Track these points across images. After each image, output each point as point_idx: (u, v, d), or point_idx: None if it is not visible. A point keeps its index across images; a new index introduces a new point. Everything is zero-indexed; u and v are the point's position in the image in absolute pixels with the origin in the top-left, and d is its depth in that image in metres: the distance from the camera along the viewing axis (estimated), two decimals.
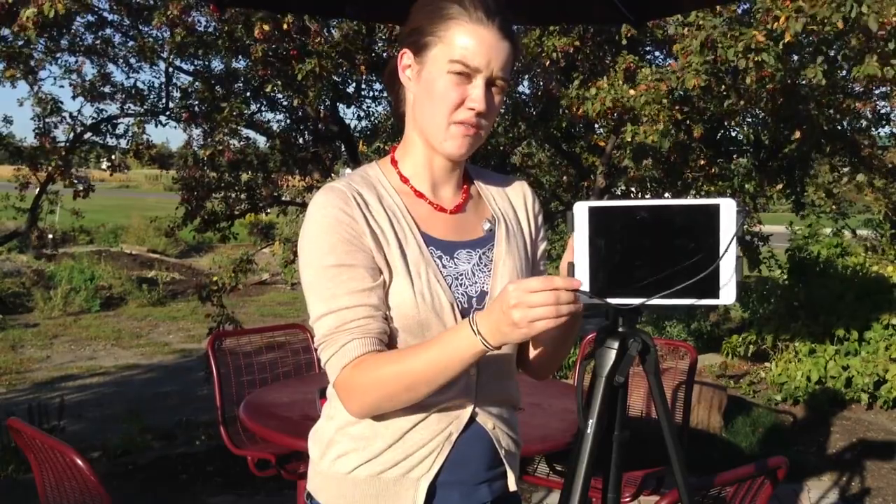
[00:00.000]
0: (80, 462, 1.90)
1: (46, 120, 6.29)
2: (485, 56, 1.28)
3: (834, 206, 6.90)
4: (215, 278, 5.89)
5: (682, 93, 5.04)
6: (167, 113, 6.63)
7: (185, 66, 6.48)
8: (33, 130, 6.24)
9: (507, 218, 1.45)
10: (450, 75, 1.28)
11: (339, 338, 1.25)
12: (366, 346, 1.24)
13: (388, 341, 1.29)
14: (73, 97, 6.47)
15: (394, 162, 1.40)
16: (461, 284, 1.35)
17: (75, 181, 6.05)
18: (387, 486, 1.31)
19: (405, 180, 1.38)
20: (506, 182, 1.50)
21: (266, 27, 4.95)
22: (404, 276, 1.29)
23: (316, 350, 1.30)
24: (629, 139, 5.29)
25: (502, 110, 7.47)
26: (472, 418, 1.35)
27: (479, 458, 1.36)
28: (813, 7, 4.24)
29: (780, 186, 6.77)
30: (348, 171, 7.44)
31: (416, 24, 1.33)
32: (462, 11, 1.28)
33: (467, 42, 1.27)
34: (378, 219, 1.31)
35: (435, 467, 1.32)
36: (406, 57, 1.34)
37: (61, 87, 6.55)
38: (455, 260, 1.36)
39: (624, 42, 5.55)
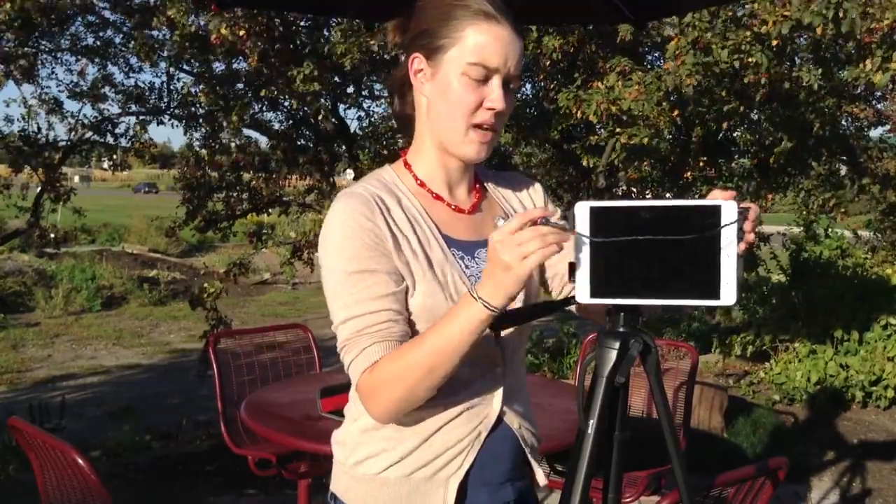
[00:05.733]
0: (80, 461, 1.90)
1: (47, 119, 6.32)
2: (502, 55, 1.27)
3: (805, 211, 6.92)
4: (206, 285, 5.90)
5: (680, 93, 5.05)
6: (168, 113, 6.64)
7: (185, 68, 6.49)
8: (18, 132, 6.26)
9: (516, 213, 1.45)
10: (465, 77, 1.27)
11: (362, 341, 1.24)
12: (388, 349, 1.24)
13: None
14: (74, 98, 6.48)
15: (407, 165, 1.39)
16: None
17: (58, 186, 6.07)
18: (417, 486, 1.31)
19: (422, 184, 1.37)
20: (514, 179, 1.51)
21: (224, 31, 4.88)
22: (432, 279, 1.28)
23: (339, 354, 1.29)
24: (624, 141, 5.30)
25: None
26: (500, 418, 1.35)
27: (506, 457, 1.37)
28: (799, 11, 4.26)
29: (775, 196, 6.78)
30: (350, 172, 7.44)
31: (425, 26, 1.30)
32: (475, 11, 1.26)
33: (484, 42, 1.26)
34: (400, 223, 1.30)
35: (465, 467, 1.31)
36: (418, 61, 1.31)
37: (61, 91, 6.56)
38: (476, 259, 1.36)
39: (624, 41, 5.55)
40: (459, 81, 1.27)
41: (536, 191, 1.50)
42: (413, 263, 1.28)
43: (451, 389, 1.28)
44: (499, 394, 1.35)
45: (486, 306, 1.14)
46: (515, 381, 1.38)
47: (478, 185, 1.44)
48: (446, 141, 1.33)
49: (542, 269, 1.49)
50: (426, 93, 1.32)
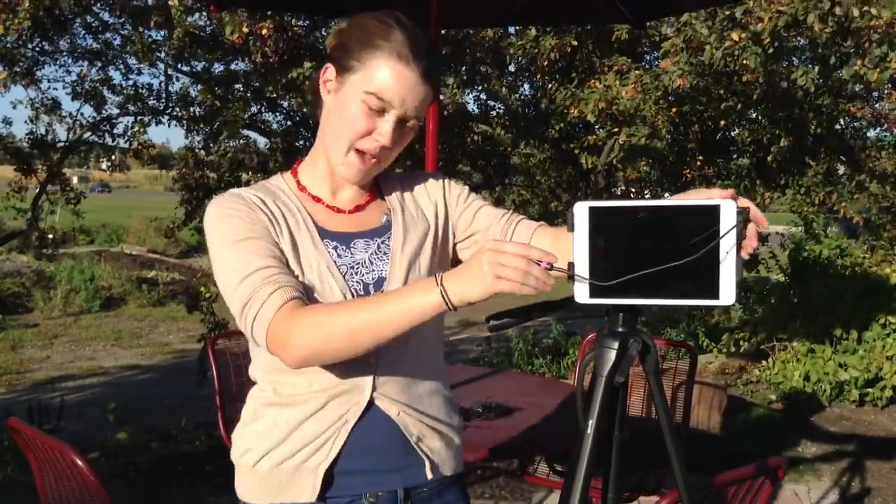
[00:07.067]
0: (79, 462, 1.90)
1: (45, 120, 6.33)
2: (400, 95, 1.31)
3: (807, 208, 6.91)
4: (202, 289, 5.93)
5: (678, 93, 5.05)
6: (167, 113, 6.64)
7: (184, 68, 6.49)
8: (25, 134, 6.29)
9: (405, 207, 1.47)
10: (363, 104, 1.31)
11: (265, 290, 1.24)
12: (291, 293, 1.25)
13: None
14: (73, 99, 6.49)
15: (294, 173, 1.45)
16: (357, 273, 1.37)
17: (66, 188, 6.11)
18: (287, 475, 1.35)
19: (302, 188, 1.42)
20: (414, 178, 1.53)
21: (245, 29, 4.94)
22: (295, 264, 1.32)
23: (242, 317, 1.27)
24: (623, 140, 5.30)
25: (501, 111, 7.51)
26: (371, 403, 1.35)
27: (385, 445, 1.36)
28: (791, 5, 4.26)
29: (774, 194, 6.78)
30: None
31: (346, 42, 1.35)
32: (390, 47, 1.30)
33: (387, 77, 1.30)
34: (273, 213, 1.35)
35: (332, 455, 1.33)
36: (329, 72, 1.36)
37: (67, 91, 6.58)
38: (351, 249, 1.38)
39: (620, 40, 5.56)
40: (356, 105, 1.32)
41: (427, 180, 1.52)
42: (283, 246, 1.33)
43: (316, 379, 1.32)
44: (368, 381, 1.34)
45: (442, 295, 1.13)
46: (398, 366, 1.36)
47: (371, 192, 1.46)
48: (329, 155, 1.38)
49: (446, 246, 1.49)
50: (328, 104, 1.37)
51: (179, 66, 6.38)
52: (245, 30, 4.95)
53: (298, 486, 1.34)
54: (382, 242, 1.41)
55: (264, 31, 5.01)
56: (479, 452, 2.35)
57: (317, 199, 1.41)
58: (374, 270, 1.38)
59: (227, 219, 1.31)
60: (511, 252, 1.10)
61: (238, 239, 1.29)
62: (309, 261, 1.33)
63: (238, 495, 1.42)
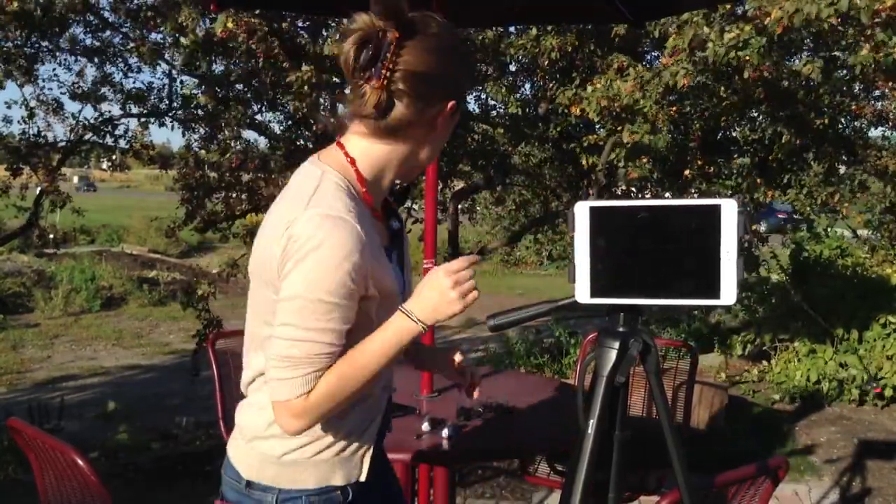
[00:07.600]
0: (80, 462, 1.90)
1: (45, 120, 6.34)
2: None
3: (809, 209, 6.90)
4: (197, 286, 5.95)
5: (679, 91, 5.04)
6: (170, 114, 6.64)
7: (195, 73, 6.49)
8: (18, 136, 6.28)
9: (394, 209, 1.57)
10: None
11: (309, 365, 1.30)
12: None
13: None
14: (72, 99, 6.48)
15: (361, 181, 1.39)
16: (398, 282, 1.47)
17: (56, 192, 6.11)
18: (343, 461, 1.45)
19: (371, 205, 1.40)
20: None
21: (231, 24, 4.89)
22: (391, 293, 1.39)
23: (275, 359, 1.32)
24: (626, 139, 5.29)
25: (501, 110, 7.52)
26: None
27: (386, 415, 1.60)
28: (807, 3, 4.22)
29: (775, 194, 6.78)
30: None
31: (462, 77, 1.41)
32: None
33: None
34: (373, 250, 1.34)
35: (375, 436, 1.49)
36: (452, 105, 1.38)
37: (62, 91, 6.60)
38: (393, 263, 1.46)
39: (619, 36, 5.56)
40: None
41: None
42: (381, 282, 1.36)
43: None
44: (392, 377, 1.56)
45: (420, 324, 1.30)
46: None
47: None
48: (413, 169, 1.45)
49: None
50: (436, 132, 1.40)
51: (189, 68, 6.38)
52: (231, 25, 4.90)
53: (350, 466, 1.45)
54: (400, 250, 1.53)
55: (244, 28, 4.97)
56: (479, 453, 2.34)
57: (375, 213, 1.43)
58: (399, 277, 1.47)
59: (334, 275, 1.28)
60: (460, 268, 1.29)
61: (327, 301, 1.29)
62: (395, 285, 1.41)
63: (272, 483, 1.42)
